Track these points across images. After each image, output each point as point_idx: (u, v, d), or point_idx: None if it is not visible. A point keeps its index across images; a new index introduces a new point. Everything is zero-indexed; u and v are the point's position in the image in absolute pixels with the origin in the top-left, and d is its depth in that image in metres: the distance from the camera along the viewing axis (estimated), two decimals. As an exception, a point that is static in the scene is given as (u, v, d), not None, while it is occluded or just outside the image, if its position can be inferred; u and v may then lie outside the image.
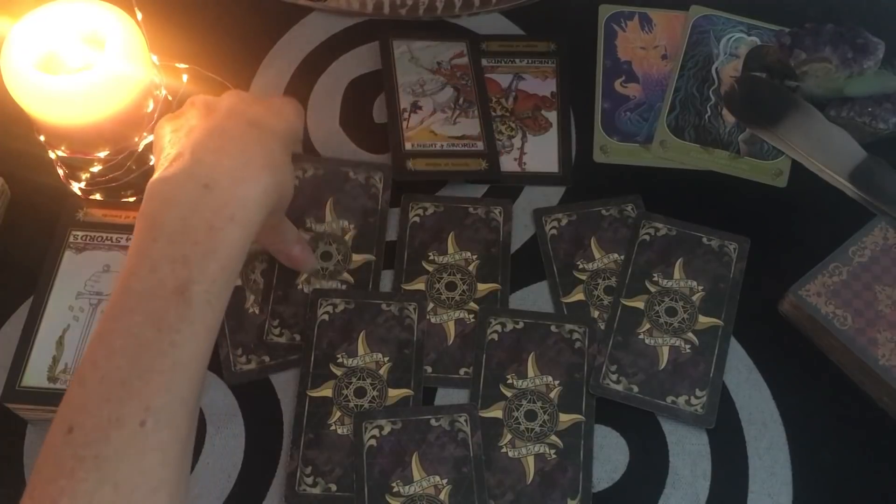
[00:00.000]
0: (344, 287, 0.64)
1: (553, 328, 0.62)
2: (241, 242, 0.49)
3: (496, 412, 0.60)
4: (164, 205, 0.48)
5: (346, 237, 0.65)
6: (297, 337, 0.62)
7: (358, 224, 0.65)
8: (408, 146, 0.69)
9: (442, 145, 0.69)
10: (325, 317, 0.62)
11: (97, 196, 0.66)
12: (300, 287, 0.63)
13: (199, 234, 0.48)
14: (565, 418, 0.59)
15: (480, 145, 0.69)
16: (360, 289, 0.64)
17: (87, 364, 0.45)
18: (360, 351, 0.61)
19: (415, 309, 0.63)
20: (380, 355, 0.61)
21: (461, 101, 0.71)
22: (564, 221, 0.67)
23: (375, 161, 0.69)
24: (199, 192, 0.48)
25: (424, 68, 0.73)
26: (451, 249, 0.65)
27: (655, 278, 0.64)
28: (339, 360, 0.61)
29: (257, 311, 0.62)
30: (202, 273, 0.47)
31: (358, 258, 0.60)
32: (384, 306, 0.63)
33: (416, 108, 0.71)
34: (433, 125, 0.70)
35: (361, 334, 0.62)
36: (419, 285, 0.64)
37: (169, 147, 0.52)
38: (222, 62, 0.73)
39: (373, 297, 0.63)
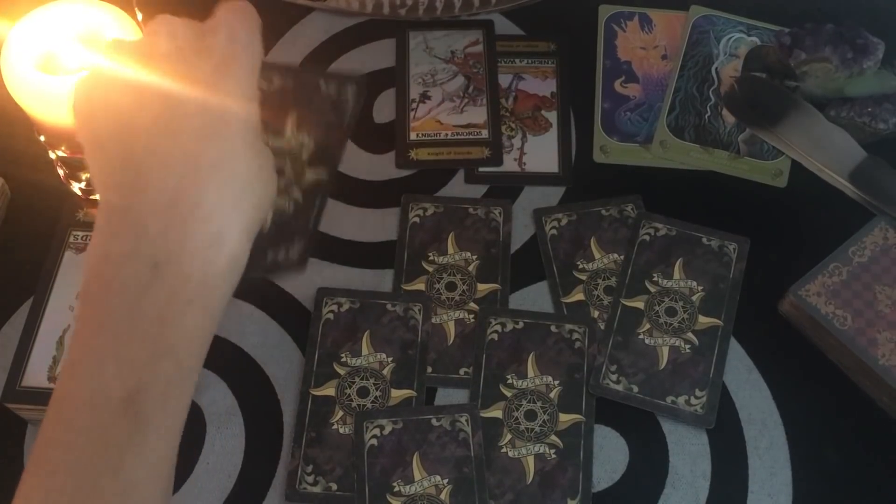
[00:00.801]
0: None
1: (553, 328, 0.62)
2: (204, 329, 0.39)
3: (496, 412, 0.60)
4: (106, 290, 0.38)
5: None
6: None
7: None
8: (412, 136, 0.70)
9: (447, 134, 0.70)
10: (330, 315, 0.62)
11: (97, 196, 0.66)
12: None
13: (148, 326, 0.37)
14: (565, 418, 0.60)
15: (485, 133, 0.69)
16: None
17: (24, 487, 0.37)
18: (364, 350, 0.61)
19: (419, 310, 0.63)
20: (383, 355, 0.61)
21: (471, 89, 0.72)
22: (564, 221, 0.67)
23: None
24: (147, 274, 0.37)
25: (438, 58, 0.73)
26: (451, 250, 0.65)
27: (655, 278, 0.64)
28: (343, 360, 0.61)
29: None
30: (153, 375, 0.37)
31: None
32: (389, 306, 0.63)
33: (424, 98, 0.71)
34: (440, 115, 0.71)
35: (366, 334, 0.62)
36: (419, 285, 0.64)
37: (96, 176, 0.41)
38: (222, 62, 0.73)
39: (378, 297, 0.63)
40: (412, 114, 0.71)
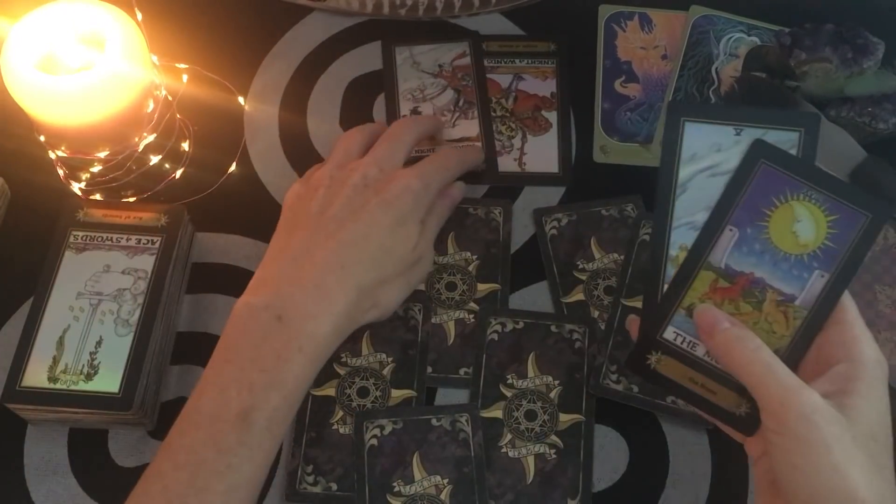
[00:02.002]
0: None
1: (553, 328, 0.62)
2: (307, 373, 0.51)
3: (496, 412, 0.60)
4: (241, 331, 0.51)
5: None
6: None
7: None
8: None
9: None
10: (326, 317, 0.62)
11: (97, 196, 0.66)
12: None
13: (267, 362, 0.50)
14: (565, 418, 0.60)
15: (479, 146, 0.69)
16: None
17: (152, 471, 0.48)
18: (364, 351, 0.61)
19: (420, 310, 0.63)
20: (384, 355, 0.61)
21: (461, 102, 0.71)
22: (564, 221, 0.67)
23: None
24: (273, 323, 0.51)
25: (426, 72, 0.73)
26: (450, 249, 0.65)
27: (655, 278, 0.64)
28: (343, 360, 0.61)
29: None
30: (265, 401, 0.49)
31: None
32: (387, 306, 0.63)
33: (415, 114, 0.71)
34: None
35: (366, 334, 0.62)
36: (419, 285, 0.64)
37: (263, 268, 0.55)
38: (222, 62, 0.73)
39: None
40: None
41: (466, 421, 0.59)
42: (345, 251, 0.54)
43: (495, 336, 0.62)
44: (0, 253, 0.65)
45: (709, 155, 0.45)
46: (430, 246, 0.60)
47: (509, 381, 0.61)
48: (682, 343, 0.45)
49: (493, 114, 0.71)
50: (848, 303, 0.44)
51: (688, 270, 0.44)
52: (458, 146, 0.69)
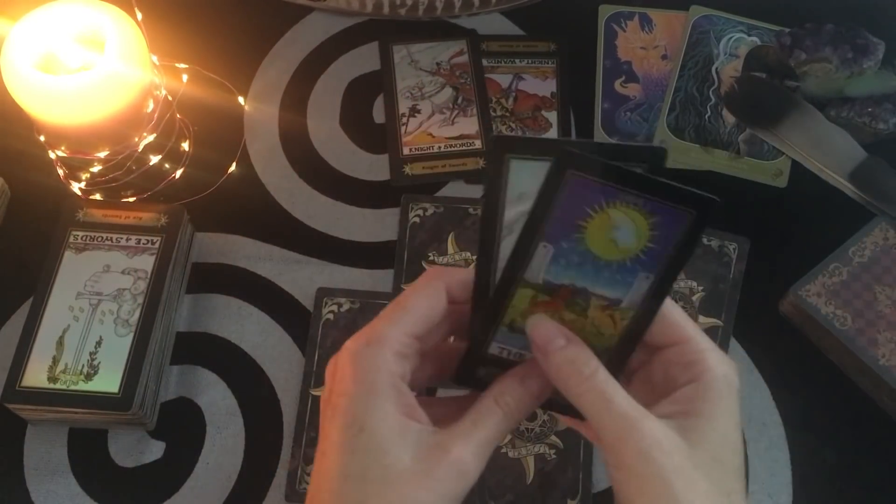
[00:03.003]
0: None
1: (553, 328, 0.62)
2: None
3: (496, 412, 0.60)
4: None
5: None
6: None
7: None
8: (405, 151, 0.69)
9: (440, 147, 0.69)
10: (330, 316, 0.62)
11: (97, 196, 0.66)
12: None
13: None
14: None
15: (478, 143, 0.69)
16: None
17: None
18: (361, 351, 0.61)
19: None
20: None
21: (460, 100, 0.72)
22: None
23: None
24: None
25: (424, 70, 0.73)
26: (451, 249, 0.65)
27: (655, 278, 0.64)
28: (340, 361, 0.61)
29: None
30: None
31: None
32: (385, 306, 0.63)
33: (414, 112, 0.71)
34: (431, 128, 0.71)
35: (362, 334, 0.62)
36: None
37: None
38: (222, 62, 0.73)
39: (378, 297, 0.63)
40: (403, 128, 0.70)
41: (466, 421, 0.59)
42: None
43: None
44: (0, 253, 0.65)
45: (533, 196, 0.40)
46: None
47: (509, 381, 0.61)
48: (508, 356, 0.42)
49: (493, 114, 0.71)
50: (684, 321, 0.41)
51: (504, 289, 0.41)
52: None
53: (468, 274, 0.43)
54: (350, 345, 0.40)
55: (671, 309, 0.41)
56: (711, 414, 0.39)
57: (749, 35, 0.75)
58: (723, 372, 0.40)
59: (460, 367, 0.43)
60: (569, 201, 0.39)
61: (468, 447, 0.38)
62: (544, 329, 0.41)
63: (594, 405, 0.39)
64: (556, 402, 0.42)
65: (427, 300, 0.41)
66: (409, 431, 0.38)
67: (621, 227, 0.39)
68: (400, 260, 0.65)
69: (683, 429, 0.38)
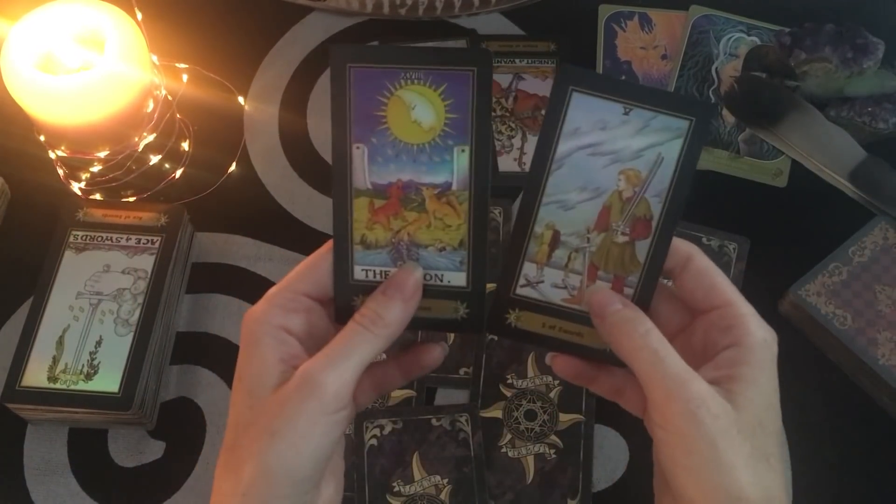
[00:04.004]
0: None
1: (553, 328, 0.62)
2: None
3: (496, 412, 0.60)
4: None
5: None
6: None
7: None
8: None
9: None
10: (326, 317, 0.62)
11: (97, 196, 0.66)
12: None
13: None
14: (565, 418, 0.59)
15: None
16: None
17: None
18: (361, 351, 0.61)
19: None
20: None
21: None
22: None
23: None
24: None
25: None
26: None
27: (655, 278, 0.64)
28: (340, 360, 0.61)
29: None
30: None
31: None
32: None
33: None
34: None
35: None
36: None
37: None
38: (222, 62, 0.73)
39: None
40: None
41: (466, 421, 0.59)
42: None
43: (496, 336, 0.62)
44: (0, 253, 0.65)
45: (592, 131, 0.42)
46: None
47: (509, 381, 0.61)
48: (374, 277, 0.43)
49: (492, 113, 0.71)
50: (725, 285, 0.42)
51: (341, 202, 0.42)
52: None
53: None
54: (246, 311, 0.42)
55: (713, 272, 0.42)
56: (755, 378, 0.40)
57: (749, 35, 0.75)
58: (762, 336, 0.41)
59: (335, 303, 0.43)
60: (359, 94, 0.40)
61: (318, 362, 0.39)
62: (602, 295, 0.42)
63: (647, 362, 0.40)
64: (595, 353, 0.44)
65: (314, 259, 0.43)
66: (280, 374, 0.40)
67: (416, 105, 0.40)
68: (400, 260, 0.65)
69: (729, 392, 0.39)
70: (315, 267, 0.43)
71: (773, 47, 0.72)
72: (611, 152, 0.42)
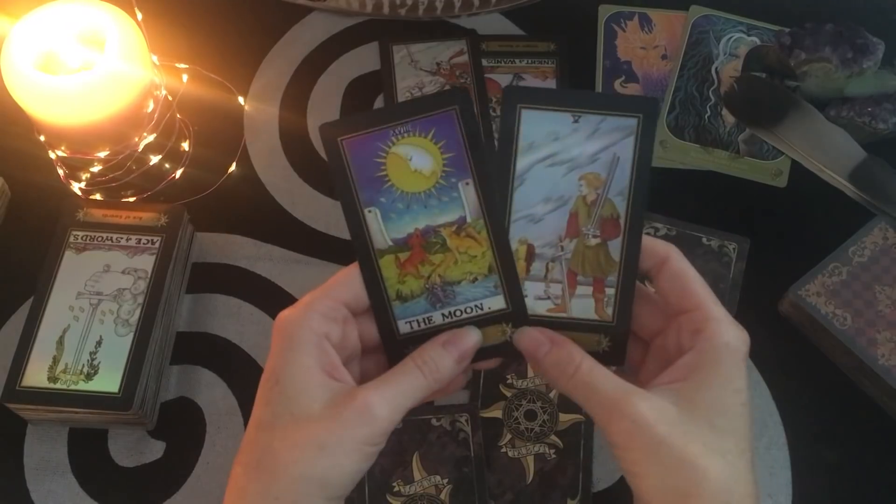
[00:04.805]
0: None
1: (553, 328, 0.62)
2: None
3: (496, 412, 0.60)
4: None
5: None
6: None
7: None
8: None
9: None
10: (326, 317, 0.62)
11: (97, 196, 0.66)
12: None
13: None
14: (565, 418, 0.59)
15: None
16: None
17: None
18: (361, 351, 0.61)
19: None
20: None
21: None
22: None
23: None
24: None
25: (424, 70, 0.73)
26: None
27: (655, 278, 0.64)
28: (340, 360, 0.61)
29: None
30: None
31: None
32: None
33: None
34: None
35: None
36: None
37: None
38: (222, 62, 0.73)
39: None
40: None
41: (466, 421, 0.59)
42: None
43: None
44: (0, 253, 0.65)
45: (546, 144, 0.43)
46: None
47: (509, 381, 0.61)
48: (420, 326, 0.44)
49: (492, 113, 0.71)
50: (698, 286, 0.43)
51: (369, 268, 0.44)
52: None
53: None
54: (280, 313, 0.43)
55: (687, 275, 0.43)
56: (708, 382, 0.41)
57: (749, 35, 0.75)
58: (725, 340, 0.41)
59: (387, 354, 0.44)
60: (357, 162, 0.42)
61: (377, 394, 0.40)
62: (528, 338, 0.44)
63: (583, 396, 0.42)
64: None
65: (352, 269, 0.44)
66: (324, 385, 0.40)
67: (413, 156, 0.43)
68: (400, 260, 0.65)
69: (677, 396, 0.40)
70: (352, 277, 0.43)
71: (773, 47, 0.72)
72: (568, 160, 0.43)
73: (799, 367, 0.62)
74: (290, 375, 0.41)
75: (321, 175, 0.69)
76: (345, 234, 0.67)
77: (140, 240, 0.62)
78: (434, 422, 0.59)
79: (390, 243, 0.44)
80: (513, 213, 0.44)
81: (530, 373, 0.61)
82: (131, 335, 0.58)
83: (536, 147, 0.43)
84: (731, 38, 0.75)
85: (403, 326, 0.44)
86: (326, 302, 0.42)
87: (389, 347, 0.44)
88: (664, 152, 0.70)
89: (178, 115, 0.69)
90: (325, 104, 0.72)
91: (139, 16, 0.63)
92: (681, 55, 0.74)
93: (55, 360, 0.57)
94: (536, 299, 0.44)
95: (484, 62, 0.73)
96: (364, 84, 0.73)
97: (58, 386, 0.56)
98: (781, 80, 0.71)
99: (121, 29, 0.59)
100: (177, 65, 0.72)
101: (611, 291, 0.44)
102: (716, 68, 0.73)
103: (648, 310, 0.45)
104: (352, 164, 0.43)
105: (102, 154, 0.62)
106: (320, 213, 0.68)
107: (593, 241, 0.44)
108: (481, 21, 0.76)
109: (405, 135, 0.42)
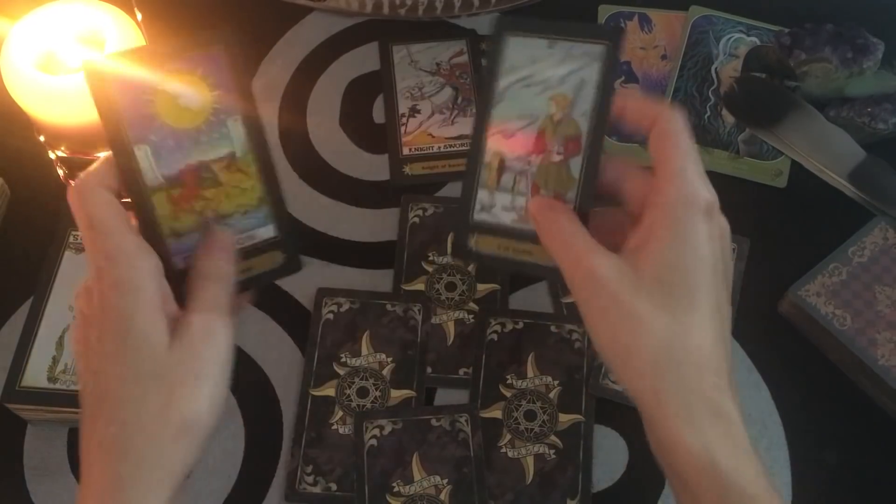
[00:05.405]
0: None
1: (553, 328, 0.62)
2: None
3: (496, 412, 0.60)
4: None
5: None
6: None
7: None
8: (405, 151, 0.69)
9: (439, 147, 0.69)
10: (330, 316, 0.62)
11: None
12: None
13: None
14: (565, 418, 0.60)
15: None
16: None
17: None
18: (364, 351, 0.61)
19: (419, 310, 0.63)
20: (383, 356, 0.61)
21: (459, 100, 0.72)
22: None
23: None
24: None
25: (424, 70, 0.73)
26: (450, 249, 0.65)
27: (655, 278, 0.64)
28: (343, 360, 0.61)
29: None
30: None
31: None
32: (389, 307, 0.63)
33: (414, 112, 0.71)
34: (431, 128, 0.71)
35: (365, 334, 0.62)
36: (419, 286, 0.64)
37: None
38: (222, 62, 0.73)
39: (377, 297, 0.63)
40: (403, 128, 0.70)
41: (466, 421, 0.59)
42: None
43: (495, 336, 0.62)
44: (0, 253, 0.65)
45: (525, 66, 0.47)
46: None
47: (509, 382, 0.61)
48: (191, 261, 0.46)
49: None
50: (675, 147, 0.44)
51: (142, 205, 0.44)
52: None
53: None
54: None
55: (673, 138, 0.44)
56: (659, 237, 0.42)
57: (748, 35, 0.75)
58: (678, 195, 0.42)
59: (174, 291, 0.45)
60: (124, 102, 0.43)
61: (211, 319, 0.43)
62: (535, 201, 0.46)
63: (560, 248, 0.44)
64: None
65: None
66: (166, 323, 0.42)
67: (181, 94, 0.44)
68: (400, 260, 0.65)
69: (634, 255, 0.42)
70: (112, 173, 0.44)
71: (772, 47, 0.72)
72: (541, 81, 0.47)
73: (799, 367, 0.62)
74: (142, 326, 0.41)
75: (321, 175, 0.69)
76: (345, 234, 0.67)
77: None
78: (434, 422, 0.59)
79: (161, 180, 0.44)
80: (490, 127, 0.48)
81: (530, 373, 0.61)
82: (131, 335, 0.58)
83: (516, 69, 0.47)
84: (730, 38, 0.75)
85: (178, 262, 0.45)
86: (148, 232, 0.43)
87: (170, 281, 0.44)
88: (664, 152, 0.70)
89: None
90: (325, 104, 0.72)
91: (139, 16, 0.63)
92: (680, 55, 0.74)
93: (55, 360, 0.57)
94: (503, 210, 0.48)
95: (484, 62, 0.74)
96: (364, 84, 0.73)
97: (57, 386, 0.56)
98: (781, 81, 0.71)
99: (120, 29, 0.59)
100: (177, 65, 0.71)
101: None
102: (715, 68, 0.73)
103: (639, 184, 0.45)
104: (117, 103, 0.43)
105: (102, 154, 0.62)
106: (320, 212, 0.68)
107: (556, 158, 0.46)
108: (481, 21, 0.76)
109: (173, 71, 0.43)
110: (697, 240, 0.41)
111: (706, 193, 0.42)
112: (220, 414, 0.43)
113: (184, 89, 0.43)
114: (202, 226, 0.45)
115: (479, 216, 0.48)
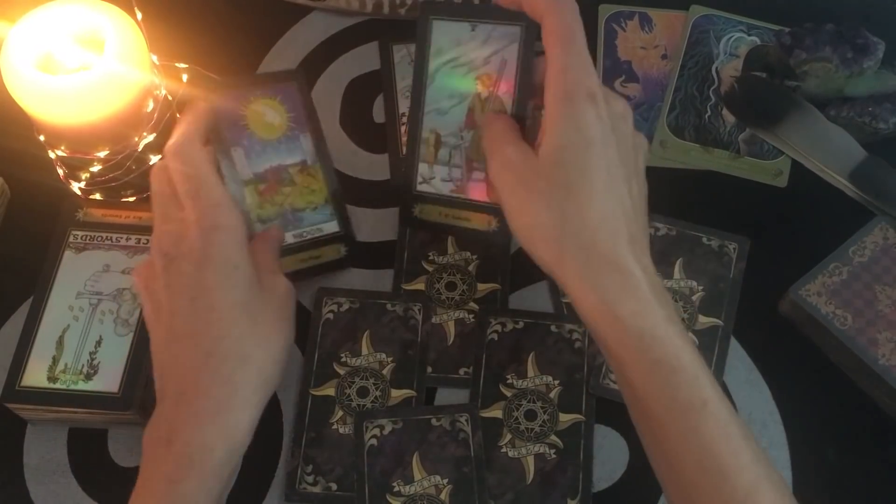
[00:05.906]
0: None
1: (553, 328, 0.62)
2: (204, 491, 0.47)
3: (496, 412, 0.60)
4: (141, 456, 0.48)
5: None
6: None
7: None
8: (405, 151, 0.69)
9: None
10: (330, 315, 0.62)
11: (97, 196, 0.66)
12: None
13: (159, 486, 0.46)
14: (565, 418, 0.60)
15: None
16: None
17: None
18: (364, 350, 0.61)
19: (419, 309, 0.63)
20: (383, 355, 0.61)
21: None
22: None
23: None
24: (162, 448, 0.47)
25: None
26: (451, 249, 0.65)
27: (655, 278, 0.64)
28: (343, 360, 0.61)
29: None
30: None
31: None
32: (389, 306, 0.63)
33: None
34: None
35: (366, 334, 0.62)
36: (419, 285, 0.64)
37: (155, 373, 0.51)
38: (222, 62, 0.73)
39: (377, 297, 0.63)
40: (403, 128, 0.70)
41: (466, 421, 0.59)
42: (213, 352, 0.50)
43: (495, 336, 0.62)
44: (0, 253, 0.65)
45: (451, 49, 0.52)
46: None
47: (509, 381, 0.61)
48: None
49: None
50: (561, 43, 0.47)
51: (235, 192, 0.55)
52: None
53: None
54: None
55: (560, 34, 0.48)
56: (550, 127, 0.47)
57: (749, 35, 0.75)
58: (567, 88, 0.47)
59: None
60: (226, 112, 0.55)
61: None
62: (487, 115, 0.53)
63: (487, 140, 0.52)
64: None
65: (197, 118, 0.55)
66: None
67: (266, 112, 0.56)
68: (400, 260, 0.65)
69: (538, 146, 0.48)
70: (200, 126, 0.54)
71: (773, 47, 0.72)
72: (467, 63, 0.52)
73: (799, 367, 0.62)
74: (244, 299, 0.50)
75: (321, 175, 0.69)
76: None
77: (140, 239, 0.62)
78: (434, 422, 0.59)
79: (252, 176, 0.56)
80: (426, 106, 0.54)
81: (530, 373, 0.61)
82: (131, 335, 0.58)
83: (443, 51, 0.52)
84: (731, 37, 0.75)
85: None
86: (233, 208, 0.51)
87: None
88: (664, 152, 0.70)
89: (178, 115, 0.68)
90: (325, 104, 0.72)
91: (139, 16, 0.62)
92: (681, 55, 0.74)
93: (55, 360, 0.57)
94: (442, 181, 0.55)
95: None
96: (364, 84, 0.73)
97: (57, 386, 0.56)
98: (781, 80, 0.71)
99: (120, 29, 0.59)
100: (176, 65, 0.71)
101: None
102: (716, 68, 0.73)
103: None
104: (220, 112, 0.54)
105: (102, 154, 0.62)
106: (320, 212, 0.68)
107: None
108: (481, 21, 0.76)
109: (258, 97, 0.55)
110: (584, 122, 0.46)
111: (588, 82, 0.47)
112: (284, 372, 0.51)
113: (267, 109, 0.56)
114: (283, 221, 0.58)
115: (420, 187, 0.56)
